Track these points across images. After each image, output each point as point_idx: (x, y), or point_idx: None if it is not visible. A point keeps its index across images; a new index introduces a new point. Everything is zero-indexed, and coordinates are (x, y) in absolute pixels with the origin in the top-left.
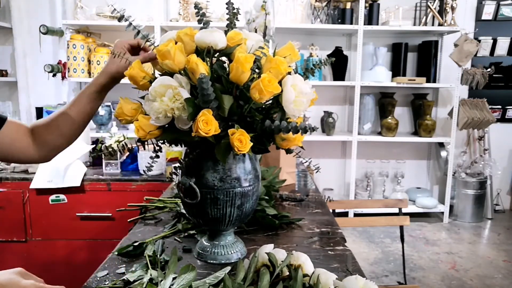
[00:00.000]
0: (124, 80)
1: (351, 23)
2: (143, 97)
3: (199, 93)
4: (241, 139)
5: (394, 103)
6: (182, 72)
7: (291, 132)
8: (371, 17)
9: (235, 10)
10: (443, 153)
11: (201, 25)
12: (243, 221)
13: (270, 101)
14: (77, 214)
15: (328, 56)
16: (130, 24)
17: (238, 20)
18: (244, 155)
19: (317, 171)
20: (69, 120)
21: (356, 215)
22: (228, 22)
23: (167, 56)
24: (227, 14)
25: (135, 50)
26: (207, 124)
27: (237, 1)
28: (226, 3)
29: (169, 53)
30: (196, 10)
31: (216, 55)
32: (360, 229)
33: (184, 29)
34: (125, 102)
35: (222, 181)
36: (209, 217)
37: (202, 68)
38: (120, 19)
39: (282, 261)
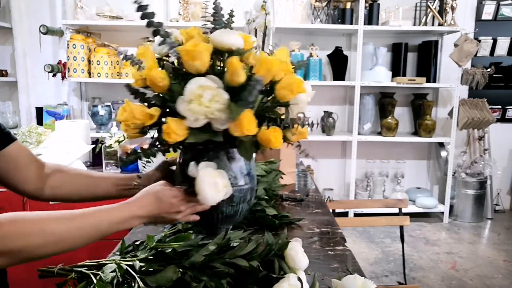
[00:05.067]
0: (120, 80)
1: (351, 23)
2: (143, 99)
3: (247, 94)
4: (276, 136)
5: (394, 103)
6: (208, 72)
7: (299, 126)
8: (371, 17)
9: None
10: (443, 153)
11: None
12: (239, 219)
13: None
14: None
15: (328, 56)
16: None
17: (233, 22)
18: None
19: (313, 158)
20: (91, 186)
21: (356, 215)
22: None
23: (197, 57)
24: (215, 16)
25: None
26: (250, 123)
27: (237, 1)
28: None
29: (200, 54)
30: (214, 11)
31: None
32: (360, 229)
33: (194, 29)
34: (136, 106)
35: None
36: (205, 215)
37: (242, 70)
38: (143, 12)
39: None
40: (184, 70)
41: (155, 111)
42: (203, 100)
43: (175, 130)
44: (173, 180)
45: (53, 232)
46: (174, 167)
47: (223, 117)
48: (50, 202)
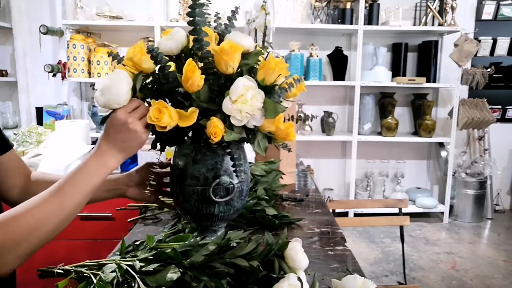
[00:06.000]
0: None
1: (351, 23)
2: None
3: (279, 92)
4: (292, 130)
5: (394, 103)
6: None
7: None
8: (371, 17)
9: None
10: (443, 153)
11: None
12: (233, 216)
13: None
14: (77, 214)
15: (328, 56)
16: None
17: (235, 21)
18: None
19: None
20: None
21: (356, 215)
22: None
23: (232, 57)
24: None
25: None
26: (281, 118)
27: (237, 1)
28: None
29: (234, 54)
30: (232, 13)
31: None
32: (360, 229)
33: (208, 29)
34: (171, 108)
35: (213, 177)
36: (200, 213)
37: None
38: None
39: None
40: (213, 70)
41: (194, 111)
42: (247, 99)
43: (221, 129)
44: (155, 182)
45: (49, 211)
46: (155, 170)
47: (259, 115)
48: None
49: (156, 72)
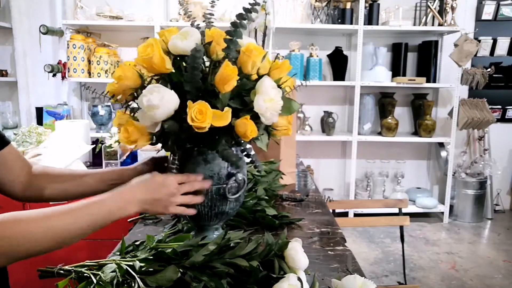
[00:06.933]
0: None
1: (351, 23)
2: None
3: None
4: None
5: (394, 103)
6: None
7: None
8: (371, 17)
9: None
10: (443, 153)
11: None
12: (229, 216)
13: None
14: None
15: (328, 56)
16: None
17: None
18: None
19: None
20: (77, 185)
21: (356, 215)
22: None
23: (257, 59)
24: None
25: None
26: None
27: (237, 1)
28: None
29: (258, 55)
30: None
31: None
32: (360, 229)
33: (216, 30)
34: (207, 107)
35: (227, 175)
36: (212, 212)
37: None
38: None
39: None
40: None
41: (228, 110)
42: (273, 98)
43: (254, 130)
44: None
45: (54, 226)
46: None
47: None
48: (50, 203)
49: (184, 72)
